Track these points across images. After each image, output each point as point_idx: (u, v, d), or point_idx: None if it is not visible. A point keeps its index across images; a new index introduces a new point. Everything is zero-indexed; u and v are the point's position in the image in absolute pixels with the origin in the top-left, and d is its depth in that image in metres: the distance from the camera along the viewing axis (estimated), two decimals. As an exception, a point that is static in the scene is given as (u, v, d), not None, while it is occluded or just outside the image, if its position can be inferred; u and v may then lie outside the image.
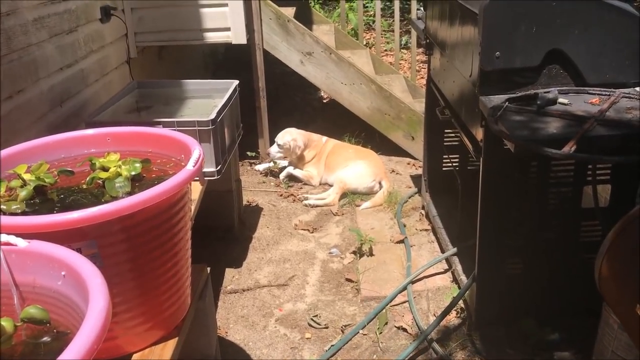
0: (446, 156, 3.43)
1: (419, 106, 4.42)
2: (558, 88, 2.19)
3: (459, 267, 2.81)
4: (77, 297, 1.17)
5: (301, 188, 4.15)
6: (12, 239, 1.26)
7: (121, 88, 3.33)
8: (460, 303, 2.66)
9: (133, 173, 1.65)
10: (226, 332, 2.63)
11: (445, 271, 3.00)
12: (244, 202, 3.78)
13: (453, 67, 2.66)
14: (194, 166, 1.63)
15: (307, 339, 2.60)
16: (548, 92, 2.13)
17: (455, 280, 2.88)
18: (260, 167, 4.36)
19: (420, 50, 6.37)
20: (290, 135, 4.11)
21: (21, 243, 1.26)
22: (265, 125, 4.44)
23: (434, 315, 2.70)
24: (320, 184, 4.16)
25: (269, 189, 4.12)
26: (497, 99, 2.17)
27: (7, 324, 1.11)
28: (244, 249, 3.33)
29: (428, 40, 3.21)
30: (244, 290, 2.95)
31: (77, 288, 1.16)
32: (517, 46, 2.17)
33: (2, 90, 2.33)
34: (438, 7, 2.91)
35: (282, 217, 3.72)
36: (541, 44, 2.18)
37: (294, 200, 3.95)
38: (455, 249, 2.91)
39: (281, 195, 4.02)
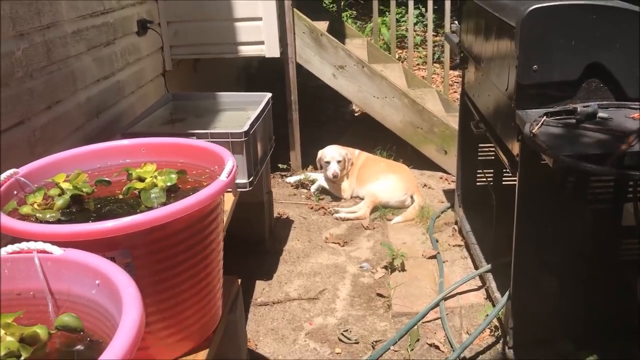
0: (480, 171, 3.38)
1: (452, 120, 4.37)
2: (598, 102, 2.14)
3: (493, 285, 2.75)
4: (110, 306, 1.17)
5: (332, 201, 4.13)
6: (47, 246, 1.27)
7: (156, 100, 3.38)
8: (495, 321, 2.60)
9: (169, 184, 1.65)
10: (256, 345, 2.62)
11: (479, 288, 2.94)
12: (275, 215, 3.78)
13: (488, 80, 2.62)
14: (227, 177, 1.63)
15: (337, 354, 2.58)
16: (587, 106, 2.08)
17: (489, 297, 2.81)
18: (291, 179, 4.37)
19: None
20: (340, 149, 4.06)
21: (56, 251, 1.27)
22: (297, 138, 4.44)
23: (467, 333, 2.64)
24: (351, 197, 4.14)
25: (299, 201, 4.11)
26: (535, 113, 2.12)
27: (41, 331, 1.11)
28: (274, 262, 3.32)
29: (462, 54, 3.18)
30: (274, 303, 2.94)
31: (111, 297, 1.16)
32: (556, 60, 2.12)
33: (42, 101, 2.38)
34: (473, 20, 2.89)
35: (312, 230, 3.71)
36: (580, 58, 2.13)
37: (325, 213, 3.94)
38: (489, 266, 2.85)
39: (312, 207, 4.01)
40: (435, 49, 6.95)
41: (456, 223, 3.56)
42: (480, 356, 2.51)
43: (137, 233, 1.42)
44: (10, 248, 1.27)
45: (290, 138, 4.43)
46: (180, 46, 3.95)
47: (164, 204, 1.60)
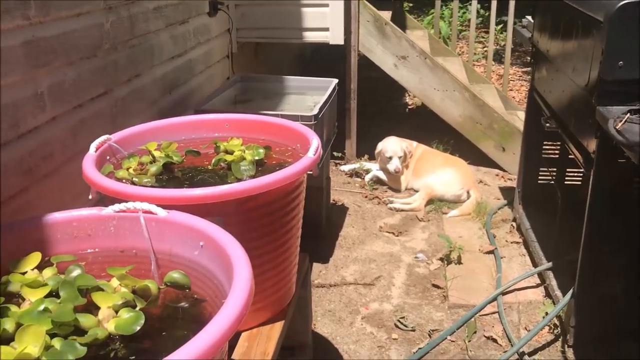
0: (544, 169, 3.34)
1: (511, 117, 4.33)
2: (683, 103, 2.09)
3: (553, 282, 2.72)
4: (214, 267, 1.21)
5: (386, 191, 4.14)
6: (152, 207, 1.32)
7: (221, 81, 3.44)
8: (554, 319, 2.58)
9: (257, 158, 1.70)
10: (314, 325, 2.66)
11: (537, 285, 2.92)
12: (330, 201, 3.81)
13: (564, 76, 2.59)
14: (314, 154, 1.67)
15: (394, 339, 2.60)
16: (673, 105, 2.04)
17: (548, 295, 2.79)
18: (346, 167, 4.39)
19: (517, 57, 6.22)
20: (402, 143, 4.04)
21: (161, 212, 1.32)
22: (354, 126, 4.46)
23: (525, 328, 2.63)
24: (405, 189, 4.13)
25: (354, 189, 4.13)
26: (617, 109, 2.09)
27: (152, 285, 1.17)
28: (330, 246, 3.35)
29: (534, 49, 3.14)
30: (330, 286, 2.97)
31: (216, 259, 1.20)
32: (642, 56, 2.08)
33: (124, 73, 2.46)
34: (550, 14, 2.85)
35: (367, 218, 3.73)
36: (667, 56, 2.09)
37: (379, 203, 3.95)
38: (550, 264, 2.82)
39: (366, 196, 4.03)
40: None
41: (514, 220, 3.53)
42: (539, 352, 2.50)
43: (232, 202, 1.46)
44: (117, 207, 1.33)
45: (347, 126, 4.45)
46: (246, 29, 3.99)
47: (253, 177, 1.65)
